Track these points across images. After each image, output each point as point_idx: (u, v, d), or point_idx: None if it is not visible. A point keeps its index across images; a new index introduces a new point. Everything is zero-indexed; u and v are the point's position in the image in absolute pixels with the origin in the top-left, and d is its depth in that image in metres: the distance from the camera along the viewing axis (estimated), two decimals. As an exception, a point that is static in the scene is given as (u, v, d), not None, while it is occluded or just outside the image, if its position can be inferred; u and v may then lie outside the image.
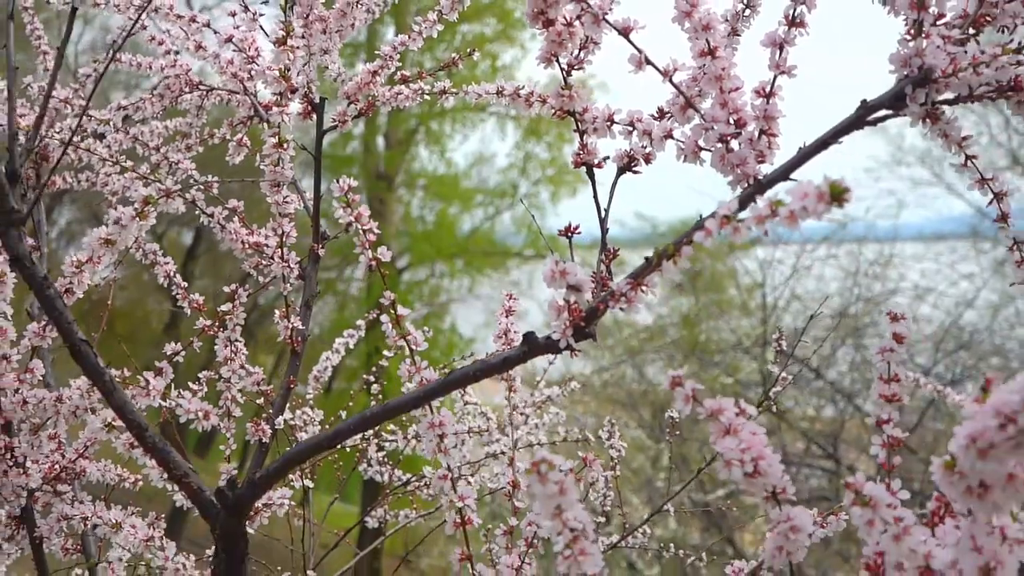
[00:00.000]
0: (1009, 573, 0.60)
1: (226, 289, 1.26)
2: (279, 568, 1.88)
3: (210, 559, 1.54)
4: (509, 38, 10.86)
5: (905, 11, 0.81)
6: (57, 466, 1.25)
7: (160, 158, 1.54)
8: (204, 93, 1.51)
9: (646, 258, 0.80)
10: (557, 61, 0.96)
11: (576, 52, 0.97)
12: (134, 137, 1.54)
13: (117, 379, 1.05)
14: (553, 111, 1.00)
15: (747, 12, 0.99)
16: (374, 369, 2.22)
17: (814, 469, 7.80)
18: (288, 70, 1.20)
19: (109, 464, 1.35)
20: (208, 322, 1.27)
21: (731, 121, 0.87)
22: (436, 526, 2.00)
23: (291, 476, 1.79)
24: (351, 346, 2.07)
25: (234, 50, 1.36)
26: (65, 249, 10.19)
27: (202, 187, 1.36)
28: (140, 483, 1.39)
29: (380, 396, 2.16)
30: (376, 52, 1.47)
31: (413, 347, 0.96)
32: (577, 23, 0.91)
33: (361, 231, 0.96)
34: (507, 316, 1.18)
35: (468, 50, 1.56)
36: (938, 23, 0.81)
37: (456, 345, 10.44)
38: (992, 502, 0.59)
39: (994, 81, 0.79)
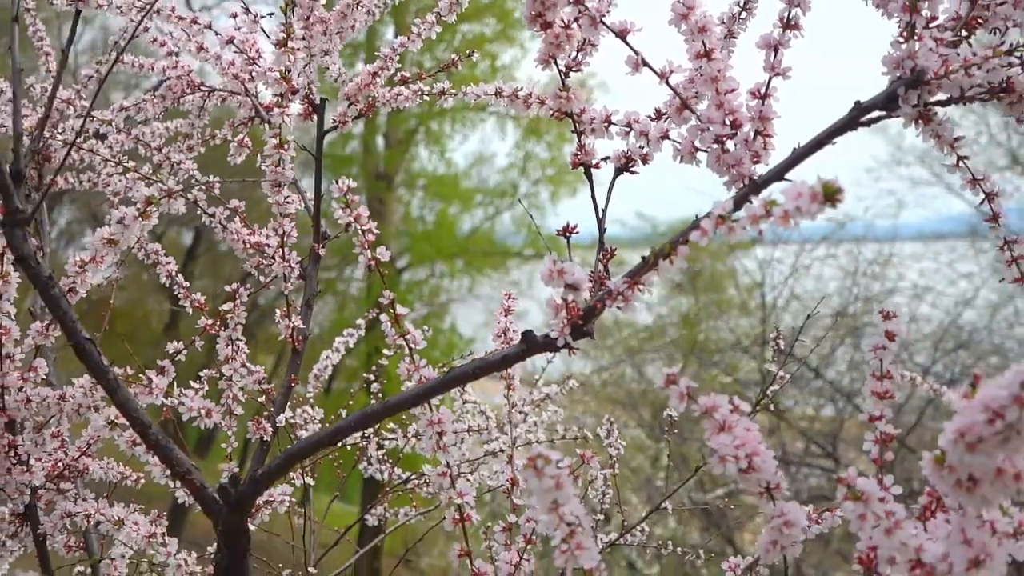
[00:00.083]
0: (998, 565, 0.61)
1: (228, 288, 1.27)
2: (280, 565, 1.89)
3: (212, 556, 1.55)
4: (509, 38, 10.88)
5: (898, 14, 0.82)
6: (60, 464, 1.26)
7: (162, 158, 1.55)
8: (206, 94, 1.52)
9: (643, 257, 0.81)
10: (555, 63, 0.97)
11: (574, 54, 0.98)
12: (136, 138, 1.55)
13: (120, 377, 1.06)
14: (551, 112, 1.02)
15: (743, 15, 1.01)
16: (374, 368, 2.23)
17: (813, 468, 7.82)
18: (289, 71, 1.21)
19: (111, 462, 1.36)
20: (210, 321, 1.28)
21: (727, 122, 0.88)
22: (435, 524, 2.01)
23: (292, 474, 1.80)
24: (351, 345, 2.08)
25: (235, 51, 1.37)
26: (65, 249, 10.21)
27: (204, 187, 1.37)
28: (142, 481, 1.40)
29: (380, 395, 2.17)
30: (376, 53, 1.48)
31: (412, 346, 0.97)
32: (575, 25, 0.92)
33: (360, 231, 0.97)
34: (506, 315, 1.19)
35: (468, 51, 1.57)
36: (930, 25, 0.82)
37: (456, 345, 10.45)
38: (981, 496, 0.60)
39: (986, 83, 0.80)
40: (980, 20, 0.83)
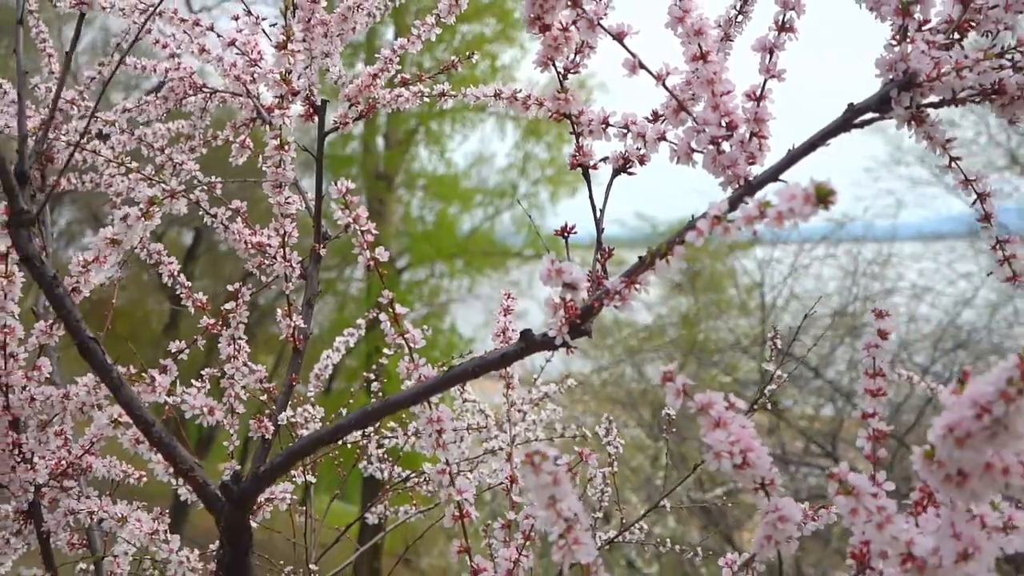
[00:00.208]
0: (987, 559, 0.63)
1: (230, 288, 1.28)
2: (282, 562, 1.91)
3: (214, 553, 1.57)
4: (508, 38, 10.89)
5: (891, 17, 0.83)
6: (64, 462, 1.27)
7: (165, 159, 1.57)
8: (207, 95, 1.53)
9: (640, 257, 0.82)
10: (554, 65, 0.98)
11: (572, 56, 0.99)
12: (139, 138, 1.56)
13: (123, 376, 1.07)
14: (550, 114, 1.03)
15: (739, 18, 1.02)
16: (374, 367, 2.25)
17: (813, 467, 7.83)
18: (289, 73, 1.22)
19: (114, 460, 1.38)
20: (212, 320, 1.30)
21: (723, 124, 0.89)
22: (435, 522, 2.02)
23: (293, 472, 1.82)
24: (351, 345, 2.09)
25: (237, 53, 1.38)
26: (65, 249, 10.21)
27: (206, 188, 1.38)
28: (144, 479, 1.41)
29: (380, 394, 2.18)
30: (376, 55, 1.50)
31: (411, 345, 0.98)
32: (573, 28, 0.93)
33: (359, 232, 0.98)
34: (506, 315, 1.20)
35: (468, 53, 1.58)
36: (923, 28, 0.83)
37: (456, 345, 10.46)
38: (970, 490, 0.61)
39: (977, 85, 0.81)
40: (972, 23, 0.84)
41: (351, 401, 2.28)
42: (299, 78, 1.34)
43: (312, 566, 1.75)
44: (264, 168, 1.23)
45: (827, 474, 0.67)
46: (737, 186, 0.88)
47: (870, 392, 0.86)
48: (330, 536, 2.10)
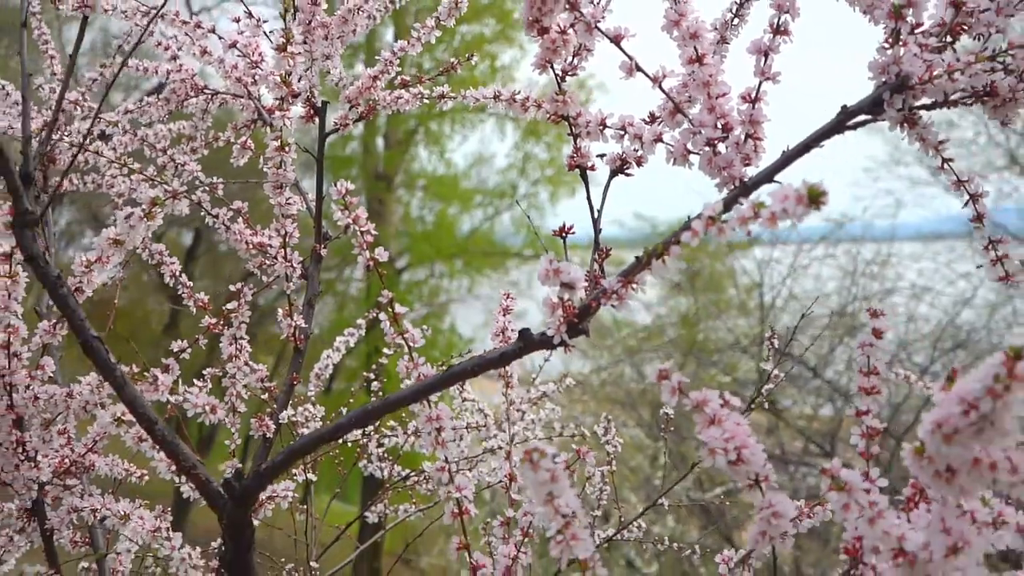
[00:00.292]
0: (976, 553, 0.64)
1: (232, 288, 1.30)
2: (283, 560, 1.92)
3: (215, 551, 1.58)
4: (508, 39, 10.90)
5: (884, 20, 0.85)
6: (67, 460, 1.29)
7: (166, 160, 1.58)
8: (209, 97, 1.54)
9: (636, 257, 0.84)
10: (552, 67, 0.99)
11: (570, 59, 1.00)
12: (141, 139, 1.58)
13: (127, 375, 1.08)
14: (548, 116, 1.04)
15: (736, 21, 1.03)
16: (374, 367, 2.26)
17: (812, 467, 7.84)
18: (290, 75, 1.23)
19: (116, 459, 1.39)
20: (213, 320, 1.31)
21: (718, 125, 0.90)
22: (435, 519, 2.03)
23: (294, 470, 1.83)
24: (352, 345, 2.10)
25: (238, 55, 1.39)
26: (65, 250, 10.22)
27: (207, 188, 1.39)
28: (146, 478, 1.43)
29: (380, 393, 2.19)
30: (376, 56, 1.51)
31: (411, 344, 0.99)
32: (571, 31, 0.94)
33: (359, 232, 0.99)
34: (505, 315, 1.21)
35: (467, 55, 1.59)
36: (915, 32, 0.84)
37: (455, 345, 10.47)
38: (959, 485, 0.62)
39: (969, 87, 0.83)
40: (964, 26, 0.86)
41: (351, 400, 2.29)
42: (300, 80, 1.35)
43: (313, 564, 1.76)
44: (265, 169, 1.24)
45: (819, 470, 0.68)
46: (733, 187, 0.90)
47: (865, 390, 0.88)
48: (330, 535, 2.12)
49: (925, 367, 7.70)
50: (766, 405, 1.93)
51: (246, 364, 1.33)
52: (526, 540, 1.04)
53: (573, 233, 1.02)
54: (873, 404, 0.86)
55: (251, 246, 1.37)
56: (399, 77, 1.52)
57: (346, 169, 10.70)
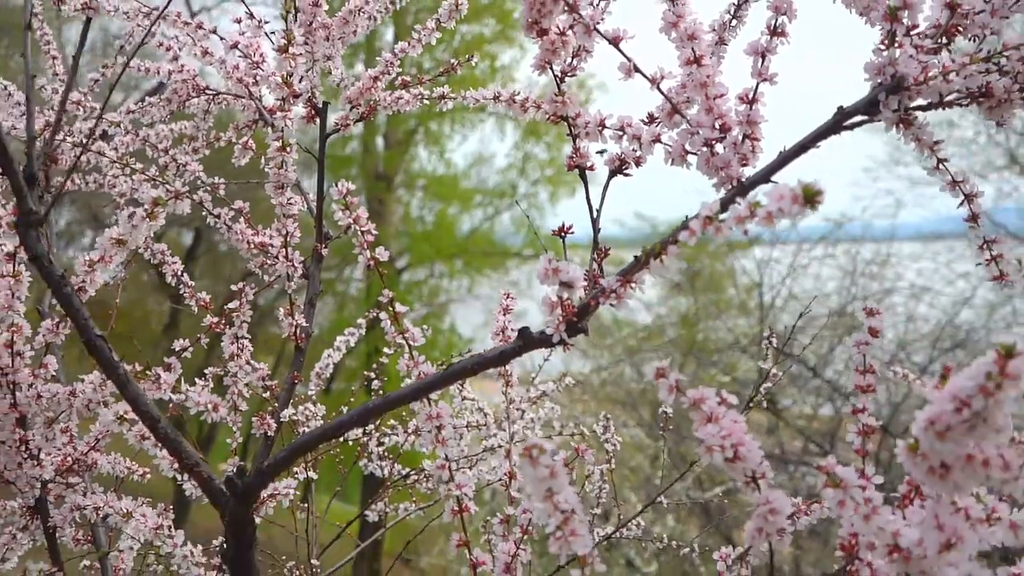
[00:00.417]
0: (969, 549, 0.65)
1: (233, 287, 1.30)
2: (284, 558, 1.93)
3: (216, 549, 1.59)
4: (508, 38, 10.91)
5: (880, 22, 0.85)
6: (69, 458, 1.29)
7: (168, 160, 1.59)
8: (210, 97, 1.55)
9: (635, 256, 0.85)
10: (551, 68, 1.00)
11: (569, 60, 1.01)
12: (143, 139, 1.58)
13: (129, 373, 1.09)
14: (547, 116, 1.05)
15: (734, 22, 1.04)
16: (374, 367, 2.27)
17: (811, 467, 7.85)
18: (291, 76, 1.24)
19: (118, 457, 1.40)
20: (215, 319, 1.32)
21: (716, 126, 0.91)
22: (434, 518, 2.04)
23: (295, 469, 1.84)
24: (352, 344, 2.11)
25: (240, 56, 1.40)
26: (64, 250, 10.23)
27: (209, 189, 1.40)
28: (148, 476, 1.44)
29: (380, 393, 2.20)
30: (376, 56, 1.52)
31: (411, 343, 1.00)
32: (570, 33, 0.95)
33: (360, 232, 1.00)
34: (505, 315, 1.22)
35: (467, 56, 1.60)
36: (911, 33, 0.85)
37: (455, 344, 10.48)
38: (953, 481, 0.63)
39: (964, 88, 0.83)
40: (959, 28, 0.86)
41: (351, 400, 2.30)
42: (301, 81, 1.36)
43: (314, 561, 1.77)
44: (267, 169, 1.25)
45: (815, 466, 0.69)
46: (730, 187, 0.90)
47: (860, 388, 0.88)
48: (330, 535, 2.12)
49: (924, 367, 7.71)
50: (764, 404, 1.93)
51: (247, 363, 1.34)
52: (525, 537, 1.04)
53: (572, 233, 1.02)
54: (869, 402, 0.86)
55: (253, 246, 1.38)
56: (399, 78, 1.53)
57: (346, 169, 10.71)
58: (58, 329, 1.21)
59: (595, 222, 1.02)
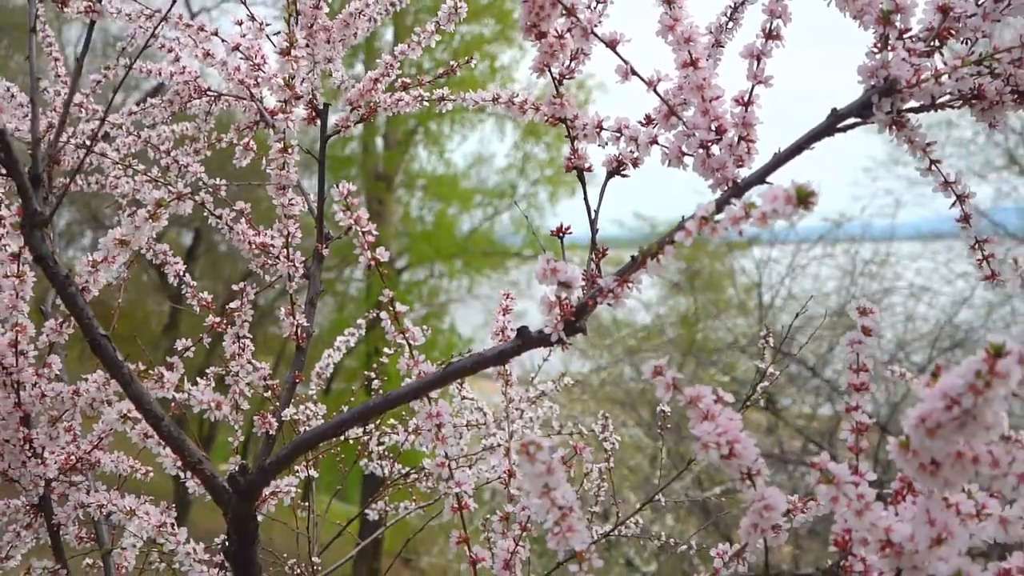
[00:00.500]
0: (959, 544, 0.66)
1: (235, 287, 1.32)
2: (285, 555, 1.94)
3: (218, 547, 1.60)
4: (507, 39, 10.92)
5: (873, 25, 0.87)
6: (73, 457, 1.31)
7: (170, 161, 1.60)
8: (212, 99, 1.56)
9: (632, 256, 0.86)
10: (549, 70, 1.01)
11: (567, 62, 1.02)
12: (145, 140, 1.60)
13: (133, 372, 1.11)
14: (546, 118, 1.06)
15: (730, 25, 1.05)
16: (374, 367, 2.28)
17: (810, 467, 7.85)
18: (292, 78, 1.25)
19: (121, 455, 1.41)
20: (217, 319, 1.33)
21: (712, 128, 0.92)
22: (433, 516, 2.05)
23: (296, 467, 1.85)
24: (352, 344, 2.12)
25: (241, 58, 1.41)
26: (65, 250, 10.24)
27: (210, 190, 1.41)
28: (151, 474, 1.45)
29: (380, 392, 2.21)
30: (376, 57, 1.53)
31: (411, 342, 1.01)
32: (568, 36, 0.96)
33: (360, 233, 1.01)
34: (505, 315, 1.23)
35: (467, 58, 1.62)
36: (904, 36, 0.86)
37: (455, 344, 10.49)
38: (943, 478, 0.64)
39: (955, 90, 0.85)
40: (951, 31, 0.88)
41: (352, 400, 2.31)
42: (302, 82, 1.37)
43: (315, 559, 1.78)
44: (268, 171, 1.26)
45: (809, 463, 0.70)
46: (726, 188, 0.92)
47: (854, 386, 0.90)
48: (330, 534, 2.14)
49: (923, 366, 7.71)
50: (762, 403, 1.95)
51: (249, 363, 1.35)
52: (524, 534, 1.06)
53: (571, 233, 1.04)
54: (865, 400, 0.88)
55: (254, 246, 1.39)
56: (399, 79, 1.54)
57: (346, 169, 10.72)
58: (61, 329, 1.22)
59: (593, 222, 1.03)
